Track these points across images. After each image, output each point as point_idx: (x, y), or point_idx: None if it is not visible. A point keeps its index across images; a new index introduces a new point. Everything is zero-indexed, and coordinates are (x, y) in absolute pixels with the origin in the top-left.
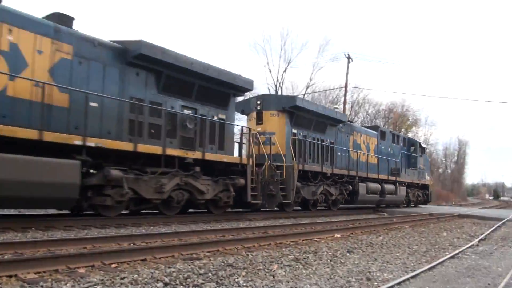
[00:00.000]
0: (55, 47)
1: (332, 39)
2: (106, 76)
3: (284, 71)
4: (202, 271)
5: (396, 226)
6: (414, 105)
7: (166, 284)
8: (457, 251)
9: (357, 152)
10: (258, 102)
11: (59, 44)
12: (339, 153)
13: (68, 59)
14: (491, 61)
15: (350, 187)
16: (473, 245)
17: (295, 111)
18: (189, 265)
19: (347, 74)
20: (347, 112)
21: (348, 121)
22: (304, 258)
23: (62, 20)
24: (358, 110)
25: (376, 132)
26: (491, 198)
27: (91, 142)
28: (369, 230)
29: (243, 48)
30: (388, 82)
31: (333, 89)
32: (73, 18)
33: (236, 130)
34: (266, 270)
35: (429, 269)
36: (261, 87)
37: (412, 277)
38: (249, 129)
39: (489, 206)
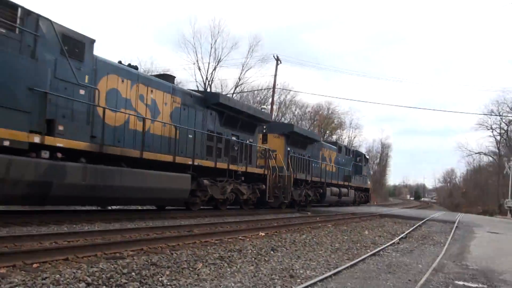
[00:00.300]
0: (172, 100)
1: (262, 40)
2: (196, 116)
3: (214, 69)
4: (125, 271)
5: (320, 224)
6: (339, 108)
7: (88, 284)
8: (378, 249)
9: (325, 164)
10: (264, 127)
11: (174, 97)
12: (314, 165)
13: (178, 107)
14: (415, 67)
15: (321, 190)
16: (394, 243)
17: (290, 134)
18: (112, 265)
19: (275, 75)
20: (275, 113)
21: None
22: (229, 257)
23: (169, 79)
24: (285, 111)
25: (335, 147)
26: (412, 198)
27: (196, 162)
28: (293, 228)
29: (173, 43)
30: (315, 85)
31: (261, 89)
32: (174, 77)
33: None
34: (191, 269)
35: (351, 266)
36: (190, 85)
37: (334, 274)
38: (269, 149)
39: (410, 206)
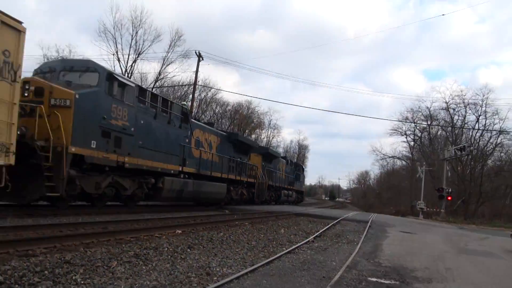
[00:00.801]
0: (217, 139)
1: (184, 35)
2: (225, 148)
3: (134, 62)
4: (38, 269)
5: (237, 222)
6: (259, 108)
7: (0, 283)
8: (293, 247)
9: (280, 173)
10: None
11: (217, 138)
12: (276, 174)
13: (219, 143)
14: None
15: (279, 193)
16: (309, 241)
17: (265, 154)
18: (25, 263)
19: (196, 71)
20: (195, 110)
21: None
22: (145, 254)
23: (211, 123)
24: (205, 109)
25: (285, 160)
26: (327, 198)
27: (231, 177)
28: (211, 226)
29: (93, 32)
30: (236, 84)
31: (181, 85)
32: (213, 123)
33: None
34: (105, 267)
35: (267, 263)
36: None
37: (251, 271)
38: (255, 165)
39: (325, 206)
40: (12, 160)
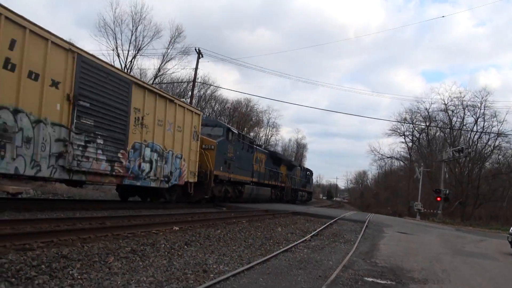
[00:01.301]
0: (264, 156)
1: (184, 32)
2: (268, 162)
3: (134, 57)
4: (35, 263)
5: (234, 220)
6: (258, 106)
7: None
8: (290, 245)
9: (297, 178)
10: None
11: (264, 155)
12: (295, 179)
13: (265, 159)
14: (333, 71)
15: (296, 193)
16: (306, 240)
17: (289, 164)
18: (22, 256)
19: (196, 68)
20: (194, 107)
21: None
22: (142, 250)
23: (256, 144)
24: (204, 106)
25: (299, 167)
26: (324, 198)
27: (272, 183)
28: (208, 223)
29: (93, 27)
30: (235, 82)
31: (181, 82)
32: (254, 140)
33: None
34: (102, 262)
35: (264, 261)
36: None
37: (247, 269)
38: (284, 174)
39: (323, 205)
40: (196, 179)
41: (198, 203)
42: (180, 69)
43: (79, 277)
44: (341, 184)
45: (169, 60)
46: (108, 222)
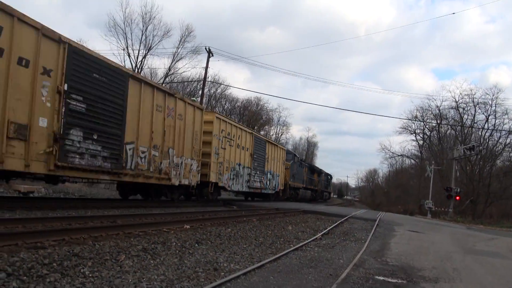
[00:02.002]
0: (307, 168)
1: (194, 31)
2: (309, 172)
3: (144, 57)
4: (46, 261)
5: (244, 219)
6: (268, 104)
7: (9, 274)
8: (301, 244)
9: (322, 182)
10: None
11: (306, 168)
12: (322, 183)
13: (307, 170)
14: (344, 69)
15: (321, 194)
16: (316, 238)
17: (319, 172)
18: (33, 255)
19: (206, 67)
20: (204, 106)
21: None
22: (153, 249)
23: (302, 159)
24: (215, 105)
25: (324, 173)
26: (335, 196)
27: (311, 187)
28: (218, 222)
29: (104, 27)
30: (246, 80)
31: (191, 81)
32: (296, 155)
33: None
34: (113, 261)
35: (274, 260)
36: None
37: (258, 267)
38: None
39: (333, 204)
40: (283, 187)
41: (211, 202)
42: (190, 68)
43: (90, 275)
44: (352, 183)
45: (179, 60)
46: (119, 221)
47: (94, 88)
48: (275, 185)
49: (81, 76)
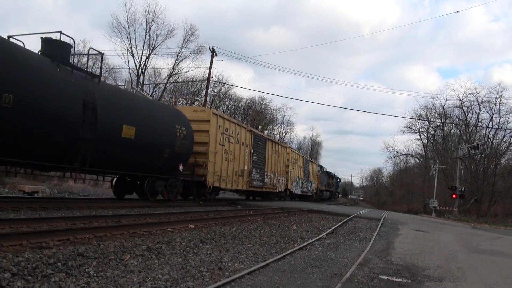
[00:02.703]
0: (329, 175)
1: (198, 31)
2: (329, 177)
3: (147, 57)
4: (51, 261)
5: (249, 218)
6: (272, 104)
7: (14, 274)
8: (305, 243)
9: (334, 184)
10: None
11: (326, 175)
12: (334, 185)
13: (327, 175)
14: (347, 68)
15: (333, 194)
16: (321, 238)
17: (334, 176)
18: (38, 254)
19: (210, 67)
20: (208, 105)
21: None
22: (157, 248)
23: (322, 167)
24: (218, 104)
25: (335, 177)
26: (340, 196)
27: (328, 189)
28: (223, 221)
29: (107, 28)
30: (249, 80)
31: (195, 81)
32: (322, 166)
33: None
34: (118, 260)
35: (279, 259)
36: (123, 71)
37: (262, 267)
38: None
39: (338, 203)
40: (316, 191)
41: (216, 202)
42: (194, 68)
43: (95, 275)
44: (356, 182)
45: (183, 59)
46: (123, 220)
47: (258, 148)
48: (312, 189)
49: (255, 144)
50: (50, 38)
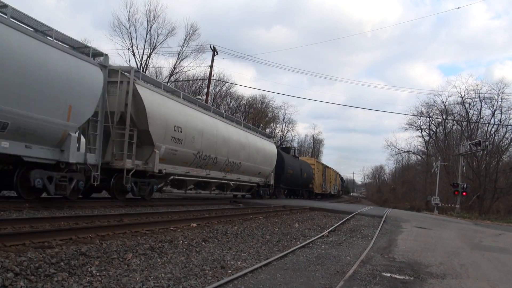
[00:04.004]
0: (339, 178)
1: (199, 30)
2: (337, 178)
3: (149, 56)
4: (54, 260)
5: (251, 216)
6: (273, 102)
7: (17, 274)
8: (308, 241)
9: (342, 184)
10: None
11: (338, 176)
12: (341, 185)
13: (336, 177)
14: (349, 66)
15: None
16: (323, 236)
17: (342, 178)
18: (41, 254)
19: (211, 66)
20: (209, 104)
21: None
22: (160, 247)
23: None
24: (220, 102)
25: (340, 176)
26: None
27: (340, 188)
28: (225, 220)
29: (109, 27)
30: (251, 78)
31: (196, 79)
32: (338, 172)
33: None
34: (121, 259)
35: (281, 257)
36: None
37: (265, 265)
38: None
39: (339, 201)
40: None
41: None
42: (195, 67)
43: (98, 274)
44: (358, 179)
45: (184, 58)
46: (126, 219)
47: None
48: (336, 189)
49: (323, 171)
50: None
